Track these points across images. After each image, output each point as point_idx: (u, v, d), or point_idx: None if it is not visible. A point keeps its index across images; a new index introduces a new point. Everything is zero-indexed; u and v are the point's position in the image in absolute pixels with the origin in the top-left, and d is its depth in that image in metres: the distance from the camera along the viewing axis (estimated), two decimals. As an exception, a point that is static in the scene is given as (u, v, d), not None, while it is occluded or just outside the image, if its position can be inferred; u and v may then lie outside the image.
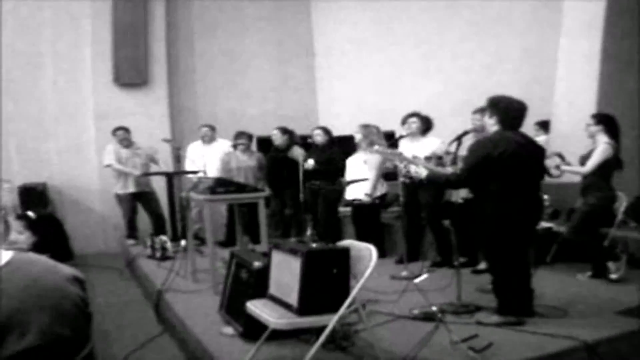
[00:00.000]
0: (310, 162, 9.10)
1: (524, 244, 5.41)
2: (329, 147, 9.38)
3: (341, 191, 9.13)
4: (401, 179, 7.59)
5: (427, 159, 6.72)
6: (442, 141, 7.81)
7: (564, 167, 7.16)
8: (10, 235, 2.50)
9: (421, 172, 5.72)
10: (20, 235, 3.40)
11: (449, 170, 6.11)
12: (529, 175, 5.38)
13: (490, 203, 5.31)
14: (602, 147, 6.85)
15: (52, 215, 10.58)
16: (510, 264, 5.33)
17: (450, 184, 6.04)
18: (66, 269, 2.20)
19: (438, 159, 6.72)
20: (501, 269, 5.39)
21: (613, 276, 6.80)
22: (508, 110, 5.41)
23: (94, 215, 11.46)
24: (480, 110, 7.18)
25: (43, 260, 2.20)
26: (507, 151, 5.21)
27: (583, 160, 7.04)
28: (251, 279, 5.10)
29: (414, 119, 8.17)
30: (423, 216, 8.20)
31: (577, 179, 7.22)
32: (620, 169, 7.04)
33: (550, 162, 7.07)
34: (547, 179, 7.02)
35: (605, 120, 7.00)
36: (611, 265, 6.83)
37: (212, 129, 10.81)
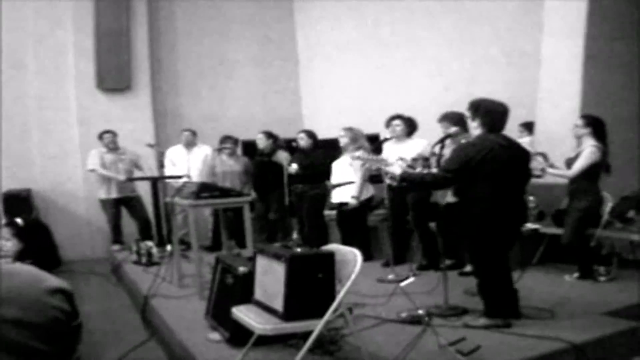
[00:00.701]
0: (294, 166, 9.09)
1: (507, 246, 5.41)
2: (313, 150, 9.35)
3: (325, 194, 9.11)
4: (387, 182, 7.59)
5: (414, 160, 6.70)
6: (429, 143, 7.81)
7: (550, 170, 7.14)
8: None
9: (395, 170, 5.70)
10: (7, 242, 3.35)
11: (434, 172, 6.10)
12: (512, 178, 5.36)
13: (473, 206, 5.30)
14: (589, 150, 6.83)
15: (39, 222, 10.49)
16: (495, 266, 5.32)
17: (426, 184, 6.00)
18: (50, 281, 2.14)
19: (424, 161, 6.71)
20: (486, 271, 5.39)
21: (602, 279, 6.81)
22: (489, 113, 5.40)
23: (79, 221, 11.38)
24: (445, 118, 7.22)
25: (26, 271, 2.14)
26: (489, 154, 5.20)
27: (569, 162, 7.03)
28: (237, 284, 5.07)
29: (397, 122, 8.17)
30: (409, 219, 8.20)
31: (562, 180, 7.22)
32: (609, 173, 7.04)
33: (536, 164, 7.06)
34: (535, 179, 7.03)
35: (594, 123, 6.98)
36: (602, 269, 6.84)
37: (194, 133, 10.82)
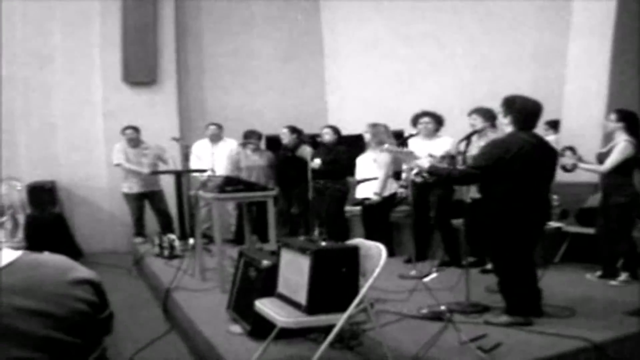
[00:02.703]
0: (317, 162, 9.06)
1: (529, 244, 5.39)
2: (336, 146, 9.35)
3: (347, 190, 9.11)
4: (411, 178, 7.58)
5: (442, 158, 6.71)
6: (454, 141, 7.80)
7: (582, 165, 7.06)
8: (20, 233, 2.46)
9: (424, 163, 5.71)
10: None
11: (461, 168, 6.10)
12: (539, 176, 5.35)
13: (497, 203, 5.29)
14: (622, 144, 6.68)
15: (56, 214, 10.46)
16: (516, 264, 5.31)
17: (452, 179, 5.99)
18: (78, 272, 2.14)
19: (451, 159, 6.71)
20: (506, 269, 5.38)
21: (622, 278, 6.74)
22: (522, 110, 5.36)
23: (102, 214, 11.45)
24: (476, 111, 7.20)
25: (53, 261, 2.14)
26: (519, 153, 5.18)
27: (601, 157, 6.88)
28: (259, 278, 5.09)
29: (428, 119, 8.14)
30: (432, 215, 8.18)
31: (586, 178, 7.16)
32: None
33: (566, 159, 7.01)
34: (559, 177, 6.97)
35: (628, 118, 6.80)
36: (624, 275, 6.75)
37: (220, 127, 10.82)
